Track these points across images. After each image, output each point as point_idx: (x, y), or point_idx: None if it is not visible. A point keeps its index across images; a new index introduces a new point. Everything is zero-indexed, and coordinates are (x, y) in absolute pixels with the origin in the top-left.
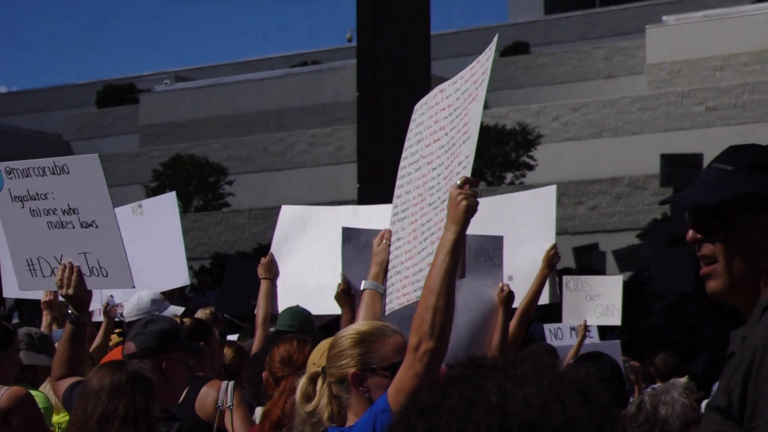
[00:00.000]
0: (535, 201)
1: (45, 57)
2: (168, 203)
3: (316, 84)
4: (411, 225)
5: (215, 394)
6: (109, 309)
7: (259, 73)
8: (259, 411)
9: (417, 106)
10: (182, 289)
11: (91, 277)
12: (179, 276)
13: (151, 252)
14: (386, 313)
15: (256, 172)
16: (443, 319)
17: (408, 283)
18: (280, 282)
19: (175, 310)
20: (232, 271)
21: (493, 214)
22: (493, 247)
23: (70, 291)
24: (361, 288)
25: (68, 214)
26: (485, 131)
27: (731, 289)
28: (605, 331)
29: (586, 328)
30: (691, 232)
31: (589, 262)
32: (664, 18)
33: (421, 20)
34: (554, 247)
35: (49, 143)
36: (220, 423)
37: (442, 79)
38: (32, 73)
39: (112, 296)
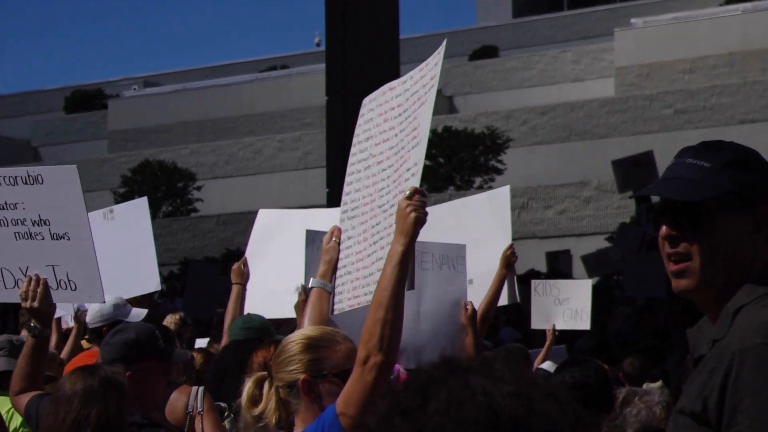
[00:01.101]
0: (490, 203)
1: (13, 63)
2: (139, 208)
3: (285, 89)
4: (361, 225)
5: (185, 399)
6: (80, 314)
7: (228, 78)
8: None
9: (365, 101)
10: (152, 294)
11: (59, 290)
12: (151, 281)
13: (122, 257)
14: (335, 313)
15: (225, 177)
16: (391, 333)
17: (358, 285)
18: (249, 286)
19: (138, 313)
20: (196, 276)
21: (450, 218)
22: (456, 255)
23: (35, 304)
24: (309, 286)
25: (38, 225)
26: (454, 135)
27: (701, 288)
28: (575, 336)
29: (554, 332)
30: (665, 229)
31: (560, 267)
32: (633, 21)
33: (390, 24)
34: (511, 247)
35: (17, 149)
36: (191, 428)
37: None
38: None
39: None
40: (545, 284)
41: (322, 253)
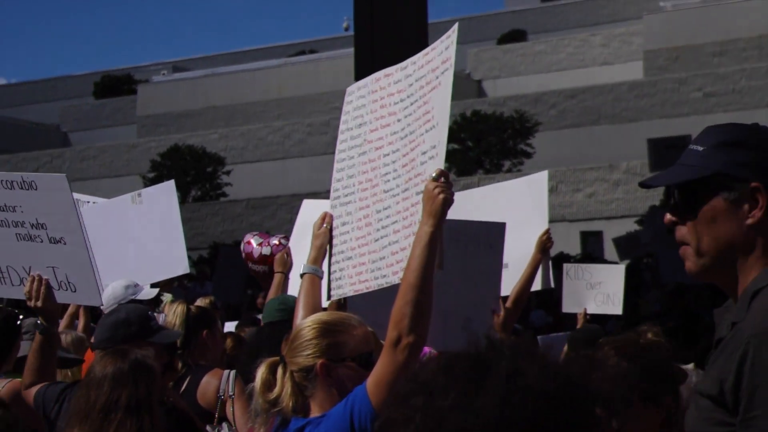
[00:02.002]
0: (528, 187)
1: (43, 49)
2: (167, 192)
3: (314, 73)
4: (360, 211)
5: (217, 383)
6: None
7: (257, 62)
8: None
9: (351, 89)
10: (181, 278)
11: (60, 291)
12: (179, 264)
13: (150, 241)
14: (332, 298)
15: (254, 161)
16: (422, 313)
17: (364, 270)
18: (292, 275)
19: (148, 292)
20: (226, 260)
21: (487, 202)
22: (496, 234)
23: (39, 303)
24: (300, 272)
25: (37, 228)
26: (483, 119)
27: (705, 271)
28: (605, 319)
29: (585, 316)
30: (667, 215)
31: (589, 250)
32: (661, 4)
33: (418, 8)
34: (547, 232)
35: (48, 134)
36: (222, 412)
37: None
38: (31, 64)
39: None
40: (577, 268)
41: (312, 239)
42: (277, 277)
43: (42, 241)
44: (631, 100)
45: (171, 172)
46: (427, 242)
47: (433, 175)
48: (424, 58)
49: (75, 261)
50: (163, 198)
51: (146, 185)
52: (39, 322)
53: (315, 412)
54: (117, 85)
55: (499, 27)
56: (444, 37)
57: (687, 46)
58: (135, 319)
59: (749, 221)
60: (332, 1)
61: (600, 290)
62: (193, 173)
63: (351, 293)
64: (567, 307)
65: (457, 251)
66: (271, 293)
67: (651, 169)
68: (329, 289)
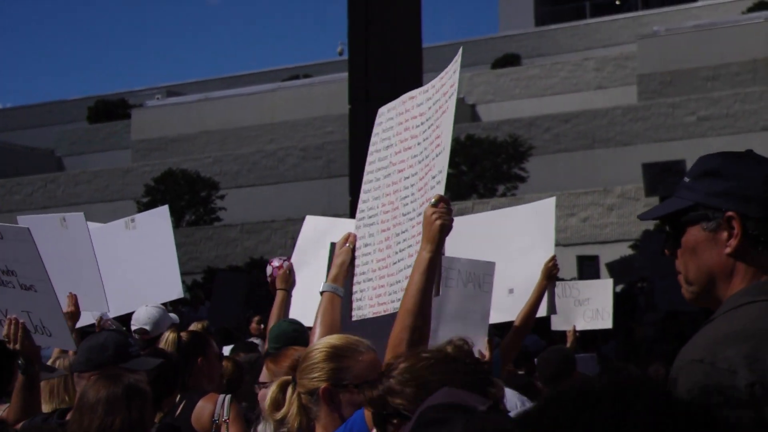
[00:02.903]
0: (535, 213)
1: (38, 74)
2: (161, 216)
3: (308, 97)
4: (382, 233)
5: (212, 408)
6: (103, 323)
7: (251, 87)
8: None
9: (382, 110)
10: (175, 303)
11: (36, 334)
12: (173, 289)
13: (144, 265)
14: (353, 319)
15: (248, 186)
16: (419, 339)
17: (383, 292)
18: (294, 293)
19: (174, 318)
20: (222, 284)
21: (494, 228)
22: (483, 273)
23: (17, 346)
24: (320, 290)
25: (7, 274)
26: (477, 143)
27: (696, 298)
28: (598, 342)
29: (575, 333)
30: (665, 248)
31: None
32: (655, 28)
33: (413, 33)
34: (553, 258)
35: (42, 158)
36: None
37: None
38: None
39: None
40: (564, 286)
41: (334, 257)
42: (279, 295)
43: (14, 287)
44: (625, 124)
45: (165, 196)
46: (425, 268)
47: (432, 201)
48: (440, 81)
49: (47, 307)
50: (157, 223)
51: (140, 210)
52: (20, 362)
53: None
54: (111, 110)
55: (493, 51)
56: (453, 61)
57: (680, 70)
58: (111, 344)
59: (727, 250)
60: (326, 25)
61: (588, 306)
62: (187, 198)
63: (370, 315)
64: (556, 325)
65: (446, 289)
66: (274, 311)
67: (646, 194)
68: (349, 309)
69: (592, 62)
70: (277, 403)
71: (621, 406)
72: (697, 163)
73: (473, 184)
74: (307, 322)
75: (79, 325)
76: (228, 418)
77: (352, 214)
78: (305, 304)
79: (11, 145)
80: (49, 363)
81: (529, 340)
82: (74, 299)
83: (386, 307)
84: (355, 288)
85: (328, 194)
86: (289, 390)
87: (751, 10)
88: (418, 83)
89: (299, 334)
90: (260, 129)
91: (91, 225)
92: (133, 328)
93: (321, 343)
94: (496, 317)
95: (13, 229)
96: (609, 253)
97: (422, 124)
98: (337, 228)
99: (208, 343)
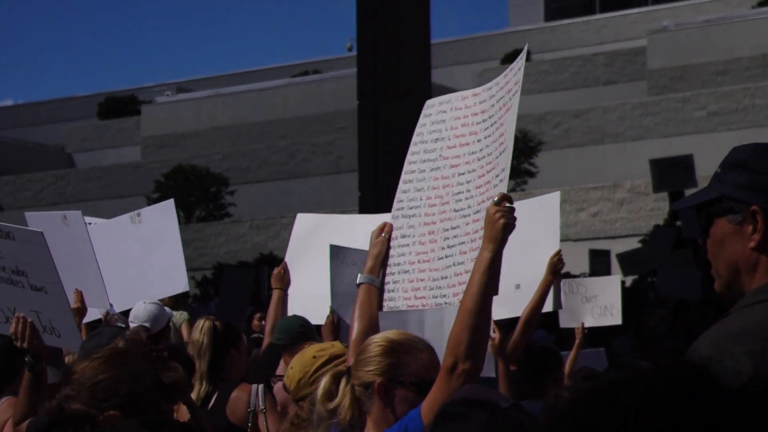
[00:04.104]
0: (540, 208)
1: (48, 70)
2: (166, 211)
3: (317, 93)
4: (425, 226)
5: (246, 398)
6: (109, 318)
7: (260, 83)
8: None
9: (431, 102)
10: (184, 298)
11: (45, 334)
12: (179, 282)
13: (150, 259)
14: (384, 310)
15: (258, 182)
16: (479, 340)
17: (422, 287)
18: (291, 291)
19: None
20: (230, 281)
21: None
22: None
23: (25, 344)
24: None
25: (17, 274)
26: None
27: (725, 291)
28: (609, 337)
29: (583, 330)
30: (699, 237)
31: (601, 267)
32: (665, 23)
33: (421, 29)
34: (558, 253)
35: (52, 155)
36: (254, 427)
37: (443, 87)
38: (35, 86)
39: (112, 305)
40: (572, 282)
41: (369, 247)
42: (276, 294)
43: (24, 287)
44: (635, 119)
45: (175, 192)
46: (487, 267)
47: (495, 199)
48: (504, 78)
49: (56, 308)
50: (163, 217)
51: (150, 205)
52: (27, 359)
53: (370, 429)
54: (121, 106)
55: (502, 46)
56: (518, 58)
57: (691, 65)
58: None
59: (751, 244)
60: (336, 21)
61: (596, 303)
62: (197, 193)
63: (404, 307)
64: (564, 322)
65: None
66: (272, 309)
67: (654, 190)
68: (383, 300)
69: (602, 57)
70: (330, 394)
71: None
72: (730, 153)
73: None
74: (310, 319)
75: (86, 320)
76: (264, 408)
77: (361, 209)
78: (304, 302)
79: (21, 141)
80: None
81: (537, 335)
82: (80, 295)
83: (425, 302)
84: (388, 278)
85: (337, 189)
86: (343, 381)
87: (761, 4)
88: (426, 79)
89: (305, 329)
90: (270, 125)
91: (98, 220)
92: (132, 325)
93: (379, 336)
94: (503, 313)
95: (26, 232)
96: (619, 248)
97: (484, 121)
98: (329, 224)
99: (239, 334)
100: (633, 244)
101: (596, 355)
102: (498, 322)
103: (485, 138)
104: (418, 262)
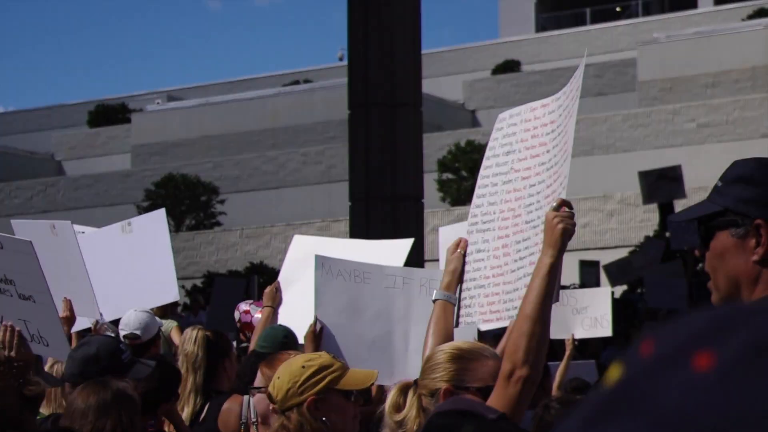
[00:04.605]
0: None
1: (38, 77)
2: (157, 220)
3: (308, 103)
4: (499, 240)
5: (238, 409)
6: (99, 327)
7: (251, 92)
8: None
9: (503, 116)
10: (174, 307)
11: (33, 343)
12: (169, 292)
13: (140, 269)
14: (460, 325)
15: (248, 191)
16: (538, 346)
17: (497, 300)
18: (281, 310)
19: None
20: (221, 290)
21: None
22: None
23: (12, 354)
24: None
25: (6, 283)
26: (477, 149)
27: (723, 303)
28: (598, 348)
29: (573, 342)
30: (696, 249)
31: (591, 278)
32: (655, 35)
33: (412, 39)
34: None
35: (41, 163)
36: None
37: (434, 98)
38: (25, 93)
39: (101, 314)
40: (562, 294)
41: (446, 264)
42: (265, 311)
43: (12, 296)
44: (625, 130)
45: (165, 201)
46: (546, 273)
47: (554, 204)
48: (569, 87)
49: (44, 318)
50: (153, 226)
51: (140, 214)
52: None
53: None
54: (111, 114)
55: (493, 57)
56: (580, 65)
57: (681, 77)
58: (105, 354)
59: (754, 258)
60: (327, 30)
61: (587, 314)
62: (188, 202)
63: (480, 323)
64: (554, 333)
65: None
66: (260, 326)
67: (644, 201)
68: (459, 315)
69: (593, 68)
70: (397, 406)
71: None
72: (731, 167)
73: (473, 189)
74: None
75: (75, 329)
76: (256, 420)
77: (352, 219)
78: (293, 321)
79: (11, 149)
80: (46, 369)
81: None
82: (69, 304)
83: (500, 316)
84: (464, 294)
85: (328, 199)
86: (410, 392)
87: (750, 17)
88: (417, 89)
89: (289, 340)
90: (261, 134)
91: (88, 229)
92: (122, 333)
93: (446, 345)
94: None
95: (15, 241)
96: (609, 259)
97: (552, 131)
98: (325, 247)
99: (231, 343)
100: (623, 254)
101: (587, 367)
102: (486, 333)
103: (554, 148)
104: (493, 276)
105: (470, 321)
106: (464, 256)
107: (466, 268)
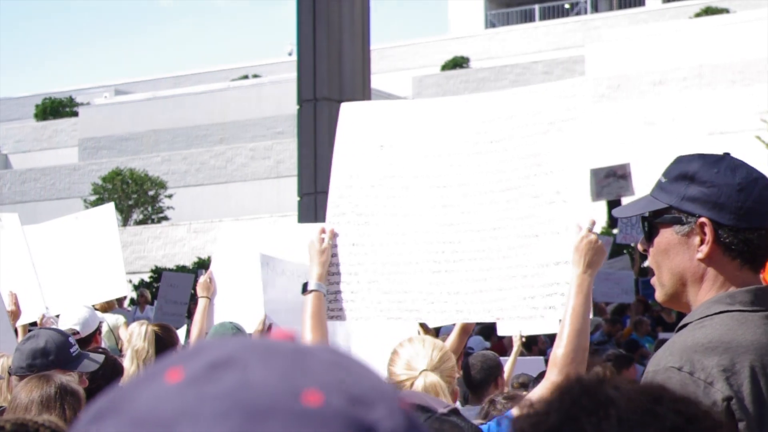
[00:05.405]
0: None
1: None
2: (106, 214)
3: (257, 98)
4: (389, 236)
5: None
6: (45, 320)
7: (200, 86)
8: None
9: (348, 107)
10: (121, 302)
11: None
12: (117, 286)
13: (88, 263)
14: (349, 319)
15: (196, 185)
16: (583, 358)
17: (409, 299)
18: (216, 301)
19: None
20: (168, 285)
21: None
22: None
23: None
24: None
25: None
26: None
27: (669, 300)
28: (547, 345)
29: (521, 338)
30: (639, 244)
31: None
32: (603, 33)
33: (361, 35)
34: None
35: None
36: None
37: (382, 93)
38: None
39: (47, 308)
40: None
41: (315, 254)
42: (202, 302)
43: None
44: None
45: (113, 195)
46: (588, 291)
47: (588, 225)
48: (550, 101)
49: None
50: (102, 220)
51: (87, 208)
52: None
53: None
54: (58, 108)
55: (442, 53)
56: (555, 88)
57: (628, 74)
58: (53, 348)
59: (698, 255)
60: (276, 26)
61: None
62: (135, 197)
63: (384, 320)
64: (502, 329)
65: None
66: (197, 318)
67: (593, 199)
68: (341, 308)
69: (541, 65)
70: None
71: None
72: (674, 163)
73: None
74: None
75: (21, 322)
76: None
77: (300, 214)
78: (232, 311)
79: None
80: None
81: (474, 342)
82: (15, 298)
83: (419, 315)
84: (341, 287)
85: (277, 194)
86: None
87: (697, 15)
88: (367, 84)
89: (239, 335)
90: (209, 128)
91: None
92: (62, 328)
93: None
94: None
95: None
96: None
97: (478, 134)
98: (256, 234)
99: (177, 337)
100: None
101: (535, 363)
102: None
103: (478, 153)
104: (392, 273)
105: (359, 316)
106: (332, 246)
107: (339, 260)
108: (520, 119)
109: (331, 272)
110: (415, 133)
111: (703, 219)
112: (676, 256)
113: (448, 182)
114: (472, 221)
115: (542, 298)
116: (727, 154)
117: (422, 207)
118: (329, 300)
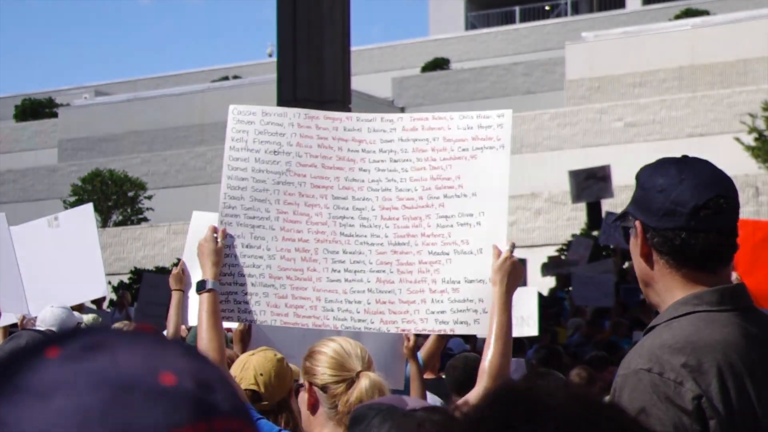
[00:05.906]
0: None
1: None
2: (84, 215)
3: (237, 99)
4: (285, 241)
5: None
6: (26, 322)
7: (180, 87)
8: None
9: (241, 109)
10: (100, 303)
11: None
12: (97, 287)
13: (67, 264)
14: (243, 321)
15: (176, 186)
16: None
17: (308, 305)
18: (191, 293)
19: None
20: (149, 286)
21: None
22: None
23: None
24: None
25: None
26: None
27: (649, 301)
28: (526, 347)
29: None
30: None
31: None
32: (584, 34)
33: (341, 35)
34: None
35: None
36: None
37: (363, 95)
38: None
39: (29, 310)
40: None
41: (209, 253)
42: (175, 296)
43: None
44: (553, 128)
45: (92, 196)
46: (510, 307)
47: (509, 247)
48: (477, 124)
49: None
50: (81, 221)
51: (67, 209)
52: None
53: None
54: (38, 109)
55: (422, 55)
56: (482, 117)
57: (608, 76)
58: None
59: (642, 258)
60: (256, 26)
61: (513, 313)
62: (115, 198)
63: (278, 323)
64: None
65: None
66: (172, 312)
67: (573, 200)
68: (241, 310)
69: (521, 67)
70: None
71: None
72: (642, 169)
73: None
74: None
75: (2, 324)
76: None
77: None
78: None
79: None
80: None
81: (454, 343)
82: None
83: (317, 322)
84: (233, 288)
85: None
86: None
87: (677, 17)
88: (346, 86)
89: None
90: (189, 129)
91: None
92: (39, 329)
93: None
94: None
95: None
96: (537, 257)
97: (382, 152)
98: None
99: None
100: (550, 253)
101: (516, 365)
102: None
103: (382, 170)
104: (289, 278)
105: (256, 320)
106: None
107: (232, 261)
108: (438, 143)
109: (222, 272)
110: (316, 143)
111: (636, 222)
112: (635, 260)
113: (348, 195)
114: (372, 235)
115: (453, 313)
116: (684, 156)
117: (321, 217)
118: (220, 300)
